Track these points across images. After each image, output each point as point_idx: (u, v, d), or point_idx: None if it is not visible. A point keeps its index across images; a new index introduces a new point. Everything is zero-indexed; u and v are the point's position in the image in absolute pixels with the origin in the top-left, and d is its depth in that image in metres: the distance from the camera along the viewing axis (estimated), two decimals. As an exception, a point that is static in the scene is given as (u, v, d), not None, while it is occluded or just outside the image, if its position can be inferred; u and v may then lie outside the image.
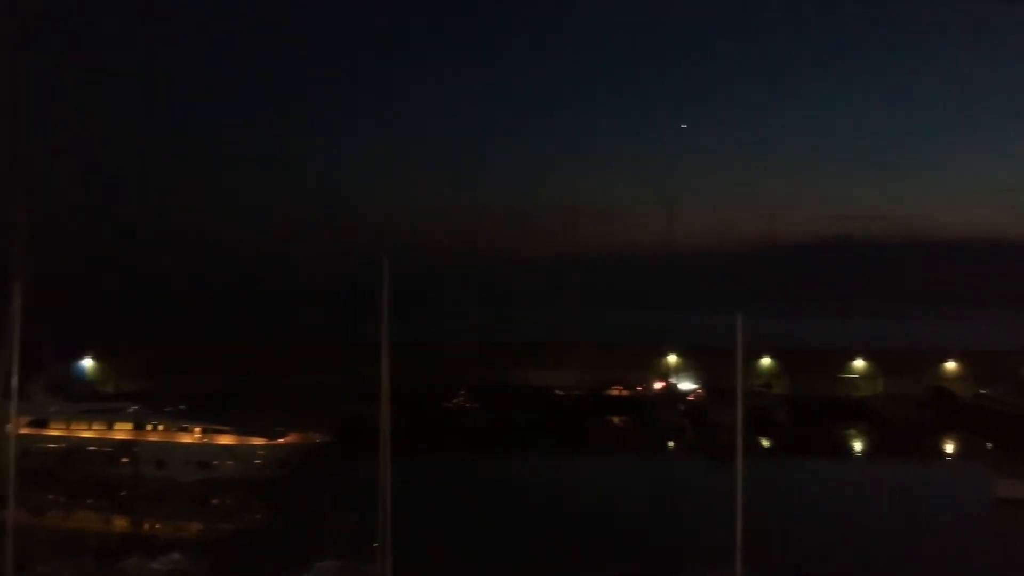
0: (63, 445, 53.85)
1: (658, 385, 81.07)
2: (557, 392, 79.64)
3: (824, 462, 64.00)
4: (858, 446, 71.86)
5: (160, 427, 54.67)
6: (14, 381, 26.05)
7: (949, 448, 69.79)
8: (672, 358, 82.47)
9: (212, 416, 55.70)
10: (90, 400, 58.72)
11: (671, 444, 70.33)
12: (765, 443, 66.97)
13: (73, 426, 54.91)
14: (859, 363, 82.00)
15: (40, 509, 45.29)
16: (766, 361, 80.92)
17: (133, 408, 55.95)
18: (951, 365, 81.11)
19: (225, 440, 53.38)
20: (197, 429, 54.22)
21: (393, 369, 28.20)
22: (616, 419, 76.83)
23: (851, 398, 79.47)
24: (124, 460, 52.77)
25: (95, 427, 54.92)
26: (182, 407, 57.05)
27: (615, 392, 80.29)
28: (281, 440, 53.38)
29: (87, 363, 73.11)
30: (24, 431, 42.65)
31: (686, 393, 78.69)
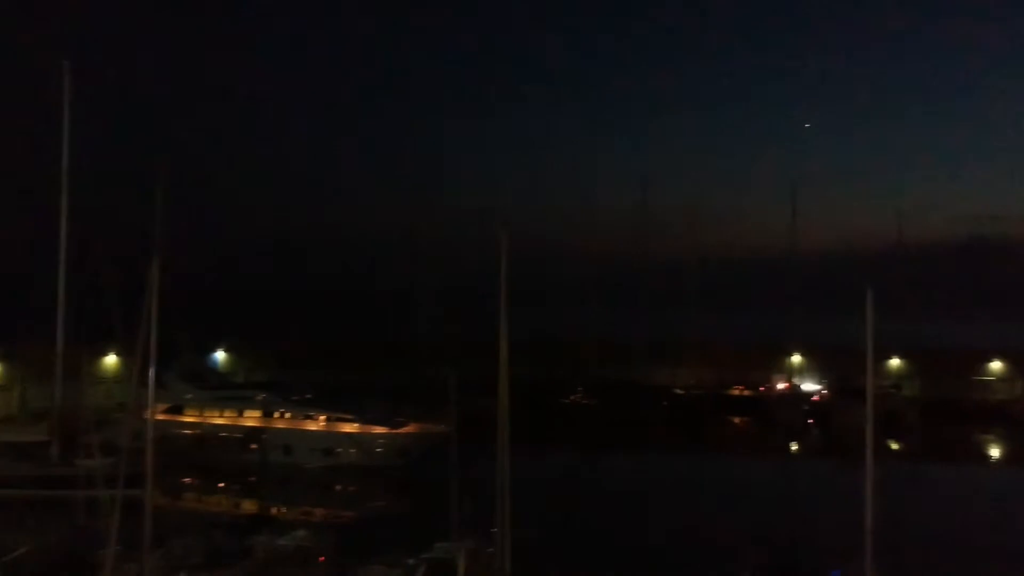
0: (197, 431, 56.03)
1: (781, 385, 79.05)
2: (676, 391, 78.52)
3: (959, 467, 61.16)
4: (996, 451, 68.48)
5: (287, 415, 56.38)
6: (152, 342, 25.74)
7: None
8: (796, 358, 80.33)
9: (336, 405, 57.12)
10: (222, 388, 60.98)
11: (795, 445, 68.47)
12: (894, 446, 64.43)
13: (206, 413, 57.09)
14: (996, 365, 78.11)
15: (175, 491, 47.22)
16: (895, 362, 77.90)
17: (262, 396, 57.81)
18: (1100, 368, 76.46)
19: (348, 428, 54.63)
20: (322, 417, 55.69)
21: (512, 364, 28.03)
22: (737, 419, 75.33)
23: (987, 401, 75.77)
24: (253, 446, 54.54)
25: (226, 414, 56.97)
26: (308, 396, 58.70)
27: (736, 392, 78.65)
28: (402, 429, 54.30)
29: (219, 355, 76.00)
30: (161, 417, 44.39)
31: (811, 394, 76.45)
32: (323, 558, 32.83)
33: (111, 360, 66.64)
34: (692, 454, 63.61)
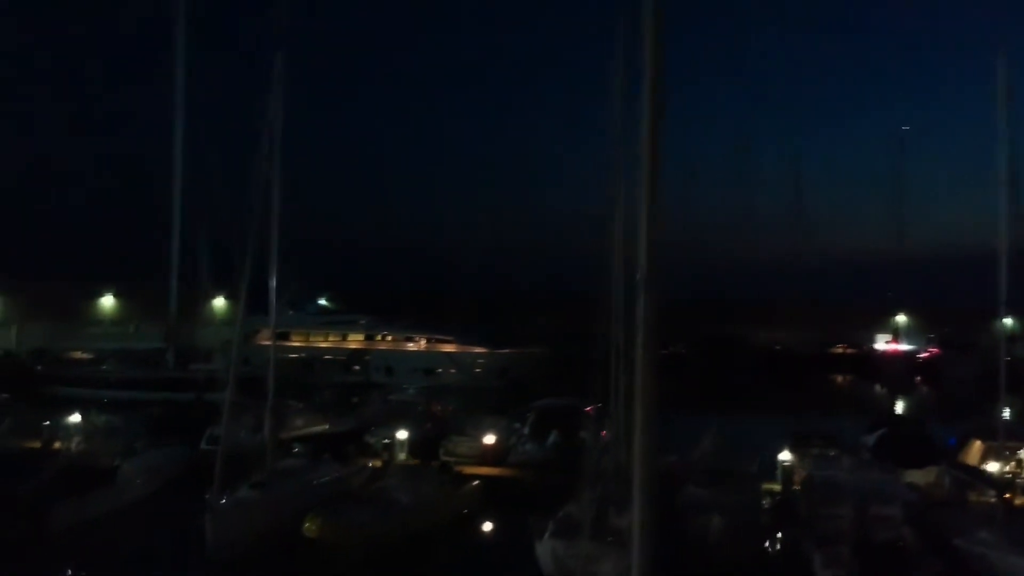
0: (303, 355, 57.51)
1: (885, 344, 76.92)
2: (778, 348, 77.04)
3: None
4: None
5: (389, 337, 57.48)
6: (273, 280, 26.07)
7: None
8: (900, 317, 78.06)
9: (436, 327, 58.01)
10: (326, 315, 62.41)
11: (900, 403, 66.31)
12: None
13: (311, 337, 58.59)
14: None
15: (285, 412, 48.41)
16: (1007, 321, 74.87)
17: (364, 320, 59.11)
18: None
19: (448, 348, 55.38)
20: (423, 339, 56.64)
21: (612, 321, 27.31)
22: (840, 378, 73.47)
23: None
24: (356, 368, 55.71)
25: (331, 338, 58.44)
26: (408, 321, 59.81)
27: (839, 350, 76.77)
28: (501, 350, 54.83)
29: (322, 301, 77.65)
30: (268, 342, 45.64)
31: (917, 351, 74.24)
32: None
33: (220, 304, 68.72)
34: (793, 410, 61.70)
